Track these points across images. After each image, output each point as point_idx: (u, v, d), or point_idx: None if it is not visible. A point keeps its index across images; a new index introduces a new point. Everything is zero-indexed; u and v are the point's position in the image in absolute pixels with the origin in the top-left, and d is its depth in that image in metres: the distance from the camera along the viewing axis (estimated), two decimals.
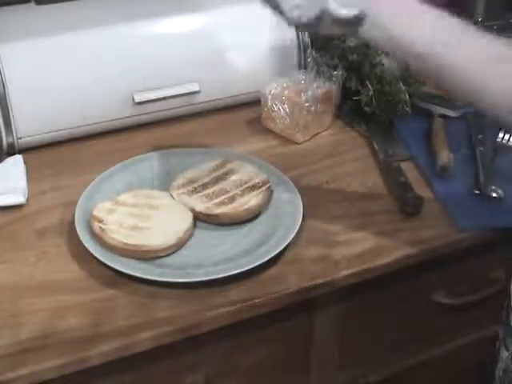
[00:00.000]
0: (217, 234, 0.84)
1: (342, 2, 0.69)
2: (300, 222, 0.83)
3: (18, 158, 0.95)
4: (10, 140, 0.95)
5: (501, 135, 0.99)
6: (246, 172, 0.91)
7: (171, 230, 0.81)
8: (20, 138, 0.96)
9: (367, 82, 1.06)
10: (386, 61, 1.05)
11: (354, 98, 1.07)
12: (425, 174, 0.96)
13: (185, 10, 1.05)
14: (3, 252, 0.81)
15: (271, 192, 0.88)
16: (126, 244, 0.78)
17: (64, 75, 0.97)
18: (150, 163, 0.94)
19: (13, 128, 0.95)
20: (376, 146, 1.01)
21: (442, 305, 0.96)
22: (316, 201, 0.89)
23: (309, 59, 1.10)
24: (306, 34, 1.09)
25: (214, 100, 1.07)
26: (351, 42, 1.09)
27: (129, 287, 0.76)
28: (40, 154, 0.98)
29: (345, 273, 0.80)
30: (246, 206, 0.85)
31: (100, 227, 0.80)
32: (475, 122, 1.07)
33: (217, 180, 0.89)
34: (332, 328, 0.90)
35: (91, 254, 0.77)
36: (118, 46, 1.00)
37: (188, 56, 1.03)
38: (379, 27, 0.69)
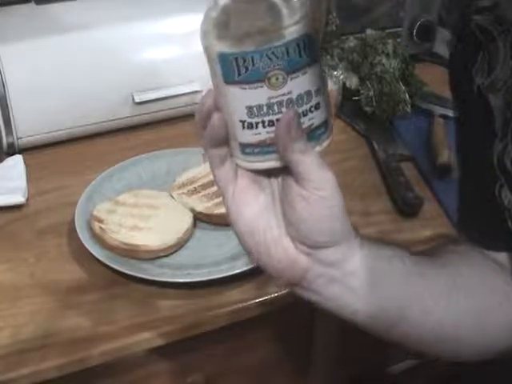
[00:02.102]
0: (217, 234, 0.84)
1: None
2: None
3: (18, 157, 0.95)
4: (10, 140, 0.95)
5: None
6: None
7: (171, 230, 0.81)
8: (20, 138, 0.96)
9: (367, 82, 1.06)
10: (385, 61, 1.05)
11: (354, 98, 1.07)
12: (425, 174, 0.96)
13: (185, 10, 1.05)
14: (3, 252, 0.81)
15: None
16: (126, 244, 0.78)
17: (64, 75, 0.96)
18: (150, 163, 0.94)
19: (13, 128, 0.94)
20: (376, 146, 1.01)
21: None
22: None
23: None
24: None
25: None
26: (351, 42, 1.09)
27: (129, 287, 0.76)
28: (40, 154, 0.98)
29: None
30: None
31: (100, 227, 0.80)
32: None
33: None
34: (332, 327, 0.90)
35: (91, 254, 0.77)
36: (118, 46, 1.00)
37: (188, 56, 1.03)
38: None
